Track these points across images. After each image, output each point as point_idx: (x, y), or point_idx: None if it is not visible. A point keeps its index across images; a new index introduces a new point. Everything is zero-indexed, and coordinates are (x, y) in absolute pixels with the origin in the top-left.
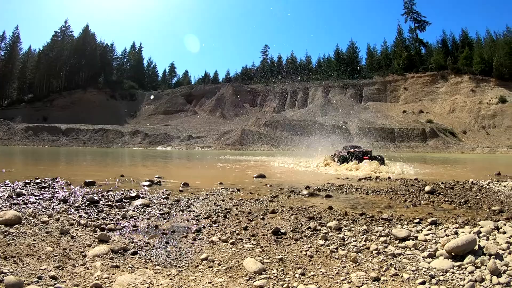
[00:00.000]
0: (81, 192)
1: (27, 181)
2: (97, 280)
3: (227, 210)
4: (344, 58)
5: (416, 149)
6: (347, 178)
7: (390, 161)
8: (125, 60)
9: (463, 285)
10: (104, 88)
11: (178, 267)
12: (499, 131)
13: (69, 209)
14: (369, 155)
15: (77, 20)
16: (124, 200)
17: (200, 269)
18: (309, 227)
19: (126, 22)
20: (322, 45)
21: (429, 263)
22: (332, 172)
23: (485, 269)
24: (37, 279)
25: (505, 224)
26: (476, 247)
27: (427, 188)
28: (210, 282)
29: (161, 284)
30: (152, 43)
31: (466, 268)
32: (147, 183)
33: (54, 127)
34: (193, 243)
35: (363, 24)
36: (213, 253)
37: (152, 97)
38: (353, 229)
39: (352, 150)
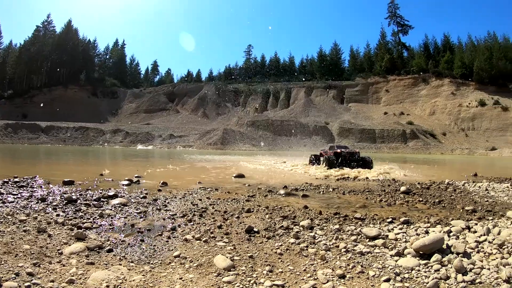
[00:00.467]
0: (60, 191)
1: (5, 180)
2: (72, 276)
3: (203, 209)
4: (327, 60)
5: (396, 150)
6: (326, 178)
7: (378, 163)
8: (107, 57)
9: (427, 283)
10: (86, 85)
11: (151, 264)
12: (478, 133)
13: (47, 208)
14: (357, 156)
15: (60, 15)
16: (102, 199)
17: (172, 265)
18: (282, 226)
19: (109, 18)
20: (305, 47)
21: (396, 261)
22: (312, 171)
23: (451, 268)
24: (15, 276)
25: (476, 224)
26: (444, 246)
27: (402, 188)
28: (180, 278)
29: (133, 280)
30: (135, 41)
31: (432, 266)
32: (126, 182)
33: (34, 124)
34: (167, 241)
35: (347, 26)
36: (185, 250)
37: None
38: (325, 228)
39: (339, 150)
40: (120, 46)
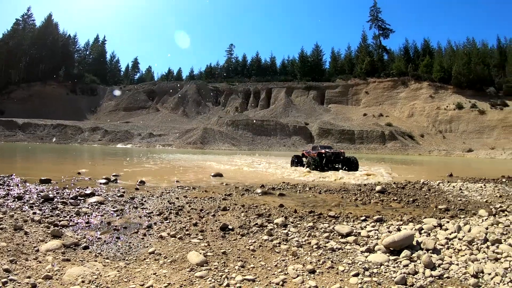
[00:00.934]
0: (37, 189)
1: None
2: (49, 272)
3: (179, 208)
4: (308, 61)
5: (375, 150)
6: (304, 176)
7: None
8: (87, 53)
9: (395, 277)
10: (65, 81)
11: (126, 260)
12: (455, 135)
13: (23, 206)
14: (342, 157)
15: (40, 8)
16: (79, 198)
17: (146, 262)
18: (256, 224)
19: (90, 13)
20: (287, 48)
21: (366, 257)
22: (291, 171)
23: (419, 263)
24: None
25: (448, 222)
26: (414, 243)
27: (378, 188)
28: (154, 273)
29: (108, 276)
30: (116, 37)
31: (401, 261)
32: (104, 181)
33: (11, 121)
34: (143, 238)
35: (329, 28)
36: (160, 247)
37: (117, 93)
38: (299, 225)
39: (323, 151)
40: (100, 42)
